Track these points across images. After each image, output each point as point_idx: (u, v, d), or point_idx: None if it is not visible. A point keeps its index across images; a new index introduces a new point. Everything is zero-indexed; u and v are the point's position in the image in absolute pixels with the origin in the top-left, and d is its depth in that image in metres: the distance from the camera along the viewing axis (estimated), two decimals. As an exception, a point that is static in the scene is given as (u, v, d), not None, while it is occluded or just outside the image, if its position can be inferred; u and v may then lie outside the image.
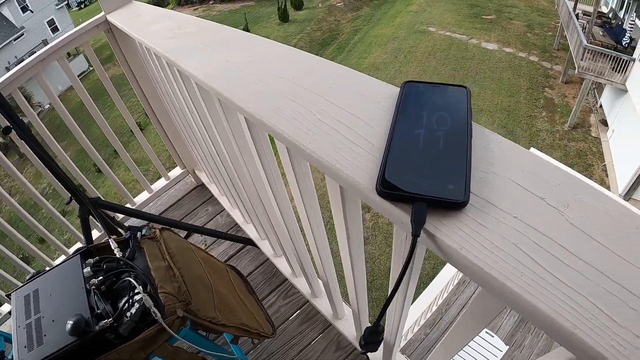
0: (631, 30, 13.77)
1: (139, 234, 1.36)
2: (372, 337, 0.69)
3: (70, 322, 1.06)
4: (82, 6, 40.17)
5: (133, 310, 1.11)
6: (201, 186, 2.90)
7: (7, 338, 2.37)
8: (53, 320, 1.14)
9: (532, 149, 7.69)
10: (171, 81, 1.57)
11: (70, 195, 1.87)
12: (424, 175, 0.51)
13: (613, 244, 0.43)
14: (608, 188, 11.90)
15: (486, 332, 5.59)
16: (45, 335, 1.11)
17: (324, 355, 1.94)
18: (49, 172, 1.78)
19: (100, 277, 1.19)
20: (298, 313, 2.10)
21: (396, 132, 0.57)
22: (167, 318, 1.11)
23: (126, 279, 1.19)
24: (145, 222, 2.07)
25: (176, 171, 2.96)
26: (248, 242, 2.33)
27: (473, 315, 0.69)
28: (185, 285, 1.21)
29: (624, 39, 14.06)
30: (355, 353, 1.91)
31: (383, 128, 0.61)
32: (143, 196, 2.88)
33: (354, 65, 18.77)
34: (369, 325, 1.64)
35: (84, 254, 1.31)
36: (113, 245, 1.36)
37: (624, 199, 11.17)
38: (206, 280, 1.38)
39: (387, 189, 0.51)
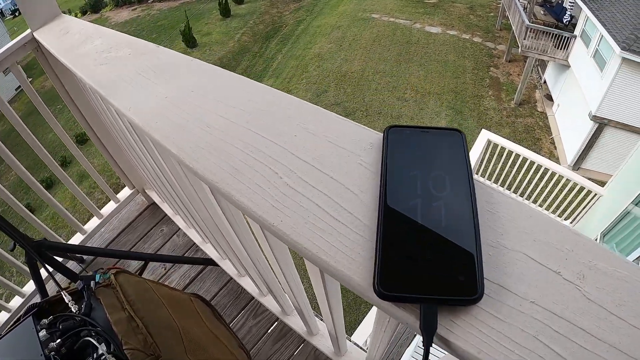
0: (571, 9, 14.38)
1: (92, 282, 1.27)
2: None
3: None
4: (17, 14, 37.90)
5: (100, 373, 1.04)
6: (153, 205, 2.79)
7: None
8: None
9: (483, 130, 7.86)
10: (111, 110, 1.47)
11: (14, 242, 1.75)
12: (429, 268, 0.44)
13: (629, 315, 0.42)
14: (557, 160, 12.44)
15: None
16: None
17: (302, 371, 1.91)
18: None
19: (59, 340, 1.10)
20: (271, 331, 2.05)
21: (388, 204, 0.48)
22: (135, 377, 1.04)
23: (86, 338, 1.11)
24: (99, 267, 1.95)
25: (125, 192, 2.82)
26: (209, 262, 2.25)
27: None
28: (151, 336, 1.14)
29: (564, 17, 14.71)
30: (334, 366, 1.88)
31: (369, 195, 0.52)
32: (93, 223, 2.73)
33: (300, 56, 18.72)
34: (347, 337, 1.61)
35: (36, 314, 1.21)
36: (67, 298, 1.26)
37: (573, 169, 11.69)
38: (172, 323, 1.30)
39: (388, 290, 0.43)
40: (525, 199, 7.68)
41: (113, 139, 2.37)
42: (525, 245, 0.46)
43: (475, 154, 7.41)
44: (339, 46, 18.52)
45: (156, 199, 2.69)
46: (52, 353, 1.08)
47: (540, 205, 7.62)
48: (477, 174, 8.01)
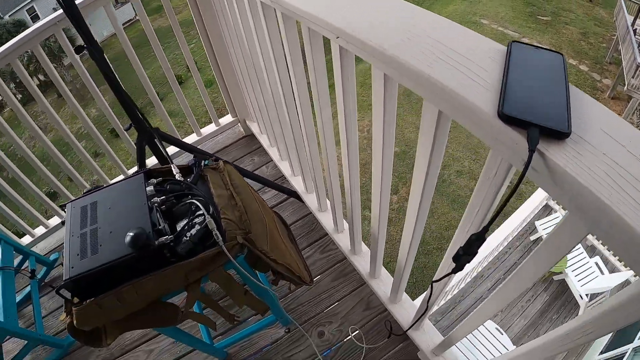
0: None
1: (203, 162, 1.34)
2: (473, 247, 0.72)
3: (131, 234, 1.04)
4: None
5: (193, 232, 1.10)
6: (249, 137, 2.89)
7: (39, 259, 2.43)
8: (111, 232, 1.11)
9: None
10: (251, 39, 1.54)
11: (131, 121, 1.88)
12: (537, 108, 0.59)
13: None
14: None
15: (496, 329, 5.54)
16: (100, 245, 1.09)
17: (353, 312, 1.93)
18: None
19: (163, 197, 1.18)
20: (334, 268, 2.08)
21: (510, 74, 0.63)
22: (227, 243, 1.09)
23: (189, 201, 1.17)
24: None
25: (226, 119, 2.95)
26: (293, 194, 2.31)
27: (550, 245, 0.70)
28: (246, 214, 1.19)
29: (679, 62, 13.26)
30: (383, 315, 1.89)
31: (496, 73, 0.65)
32: (191, 138, 2.89)
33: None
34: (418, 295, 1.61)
35: (146, 174, 1.29)
36: (175, 170, 1.34)
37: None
38: (262, 217, 1.35)
39: (508, 113, 0.58)
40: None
41: (232, 70, 2.48)
42: (602, 125, 0.57)
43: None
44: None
45: (255, 130, 2.78)
46: (155, 205, 1.15)
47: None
48: (554, 200, 7.56)
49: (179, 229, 1.13)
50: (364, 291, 1.98)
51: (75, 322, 1.07)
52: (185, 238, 1.09)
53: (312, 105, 1.43)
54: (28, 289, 2.41)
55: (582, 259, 6.70)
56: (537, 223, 7.13)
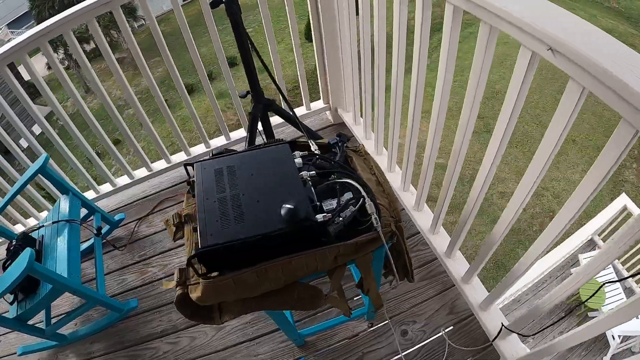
0: None
1: (345, 143, 1.28)
2: None
3: (290, 207, 0.95)
4: None
5: (347, 213, 1.03)
6: (338, 125, 2.82)
7: (104, 217, 2.40)
8: (258, 201, 1.02)
9: (623, 194, 6.94)
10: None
11: (249, 90, 1.86)
12: None
13: None
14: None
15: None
16: (245, 214, 0.99)
17: (436, 314, 1.87)
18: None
19: (313, 172, 1.09)
20: (421, 269, 2.01)
21: None
22: (382, 229, 1.02)
23: (342, 180, 1.08)
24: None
25: (317, 104, 2.87)
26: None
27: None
28: (395, 202, 1.12)
29: None
30: (467, 321, 1.82)
31: None
32: (277, 119, 2.84)
33: (459, 58, 17.87)
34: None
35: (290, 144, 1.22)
36: (313, 147, 1.27)
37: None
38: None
39: None
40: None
41: (336, 58, 2.42)
42: None
43: (605, 216, 6.63)
44: (501, 62, 17.50)
45: (349, 120, 2.68)
46: (308, 179, 1.08)
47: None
48: (599, 236, 7.15)
49: (325, 207, 1.07)
50: (449, 295, 1.91)
51: (199, 295, 0.98)
52: (339, 219, 1.01)
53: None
54: (86, 244, 2.37)
55: (620, 299, 6.40)
56: (580, 256, 6.84)
